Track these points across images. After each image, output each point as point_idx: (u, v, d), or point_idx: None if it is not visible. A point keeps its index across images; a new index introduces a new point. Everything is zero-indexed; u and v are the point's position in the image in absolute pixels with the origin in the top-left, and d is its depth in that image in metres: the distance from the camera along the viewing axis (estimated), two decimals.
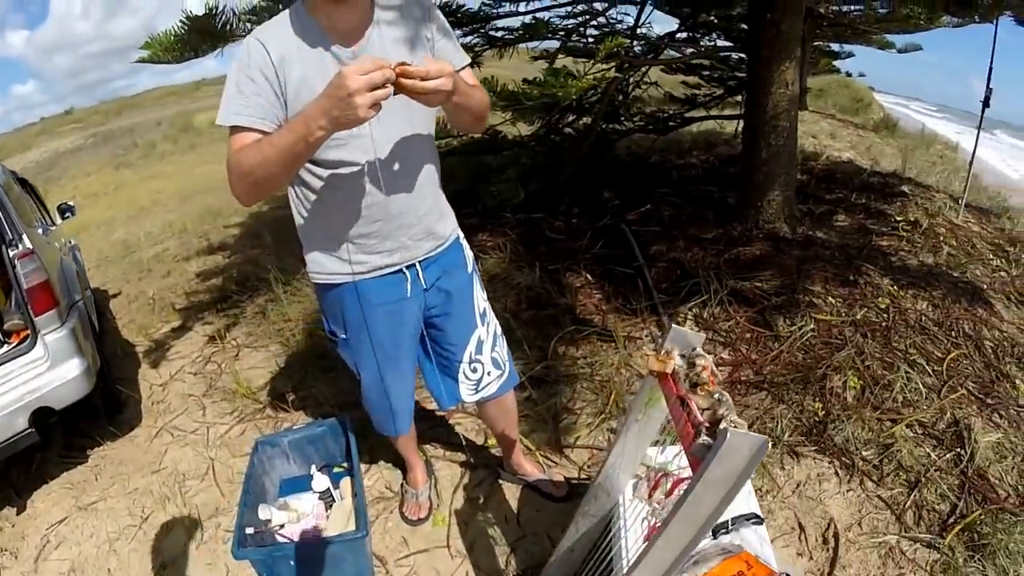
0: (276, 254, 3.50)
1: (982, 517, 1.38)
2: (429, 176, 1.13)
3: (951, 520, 1.39)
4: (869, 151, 5.88)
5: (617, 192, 3.53)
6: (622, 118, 3.72)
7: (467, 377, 1.35)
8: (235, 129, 0.96)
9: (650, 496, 0.98)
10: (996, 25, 2.79)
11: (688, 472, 0.73)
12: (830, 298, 2.17)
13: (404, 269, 1.17)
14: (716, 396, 0.70)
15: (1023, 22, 2.72)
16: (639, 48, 3.37)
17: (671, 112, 4.07)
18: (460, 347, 1.31)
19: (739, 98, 4.10)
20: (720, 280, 2.33)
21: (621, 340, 2.09)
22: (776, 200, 2.74)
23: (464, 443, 1.75)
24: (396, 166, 1.06)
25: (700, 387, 0.75)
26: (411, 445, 1.59)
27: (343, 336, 1.25)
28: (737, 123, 4.17)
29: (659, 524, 0.72)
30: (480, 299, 1.33)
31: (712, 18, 3.72)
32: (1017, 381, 1.81)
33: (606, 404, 1.83)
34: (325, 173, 1.04)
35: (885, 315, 2.05)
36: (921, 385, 1.74)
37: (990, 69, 2.86)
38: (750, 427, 1.58)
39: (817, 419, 1.66)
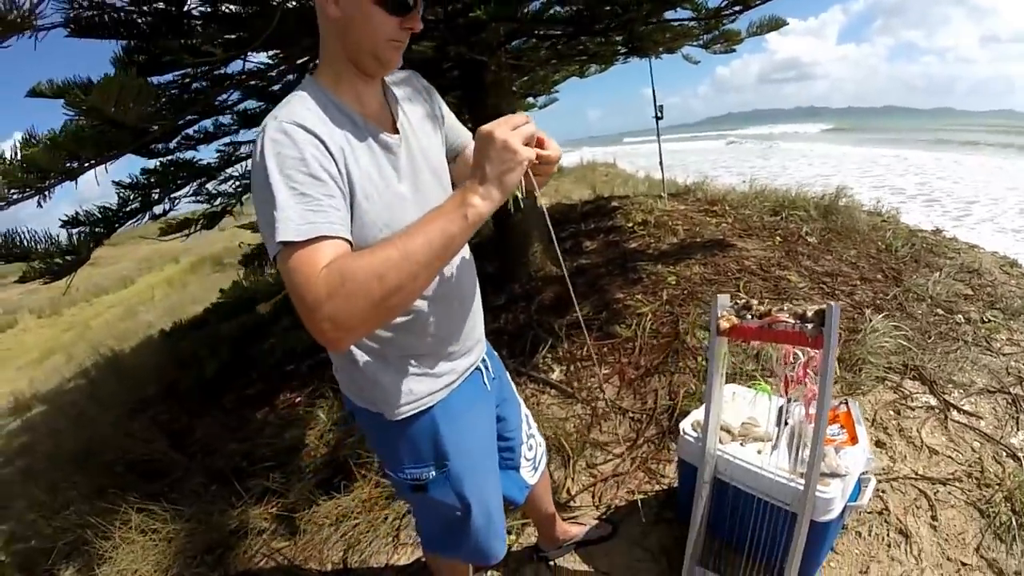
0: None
1: None
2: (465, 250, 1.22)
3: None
4: (558, 191, 8.28)
5: None
6: None
7: (527, 459, 1.53)
8: (305, 244, 0.83)
9: (787, 391, 1.49)
10: (651, 60, 4.53)
11: (810, 357, 1.49)
12: (636, 296, 3.30)
13: (480, 363, 1.29)
14: (788, 307, 1.52)
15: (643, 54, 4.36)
16: None
17: None
18: (518, 429, 1.50)
19: None
20: (545, 325, 3.22)
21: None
22: (538, 250, 3.86)
23: None
24: None
25: (765, 315, 1.56)
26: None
27: (438, 473, 1.21)
28: None
29: (815, 387, 1.46)
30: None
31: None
32: (790, 277, 3.32)
33: (567, 456, 2.35)
34: None
35: (680, 287, 3.32)
36: None
37: (653, 93, 5.06)
38: (671, 396, 2.52)
39: (702, 368, 2.62)
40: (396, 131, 1.06)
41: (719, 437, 1.63)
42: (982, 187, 13.13)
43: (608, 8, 2.96)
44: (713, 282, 3.37)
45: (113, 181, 2.63)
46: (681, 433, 1.75)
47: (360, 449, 2.58)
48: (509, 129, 0.85)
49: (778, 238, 4.10)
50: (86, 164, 2.01)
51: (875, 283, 3.38)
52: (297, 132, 0.89)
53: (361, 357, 1.11)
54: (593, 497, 2.19)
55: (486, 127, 0.86)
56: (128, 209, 2.62)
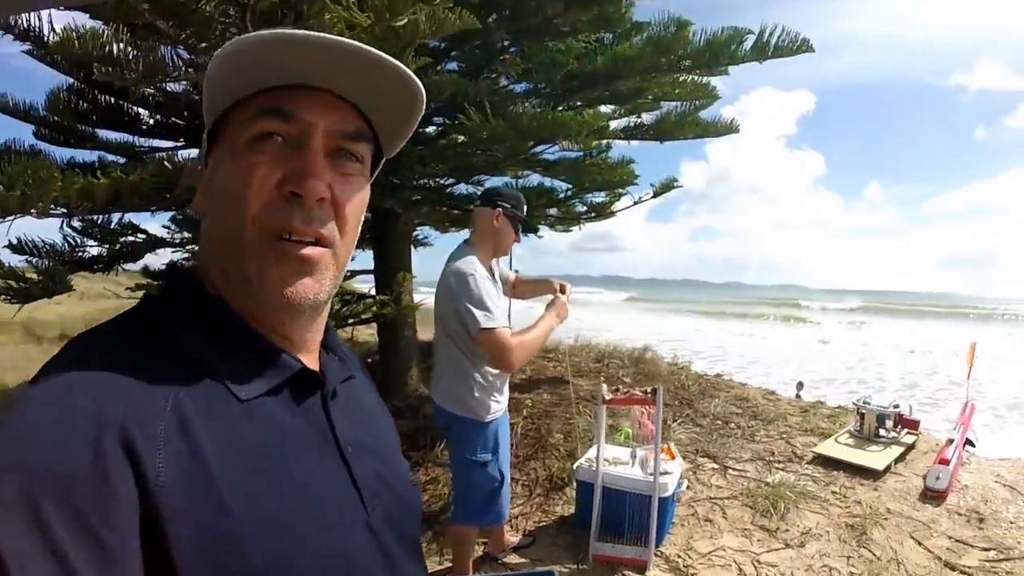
0: None
1: None
2: None
3: None
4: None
5: None
6: None
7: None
8: (499, 329, 2.51)
9: (640, 430, 3.57)
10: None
11: (650, 412, 3.43)
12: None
13: None
14: (636, 390, 3.48)
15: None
16: None
17: None
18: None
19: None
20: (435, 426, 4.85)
21: (433, 477, 4.15)
22: (415, 373, 5.49)
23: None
24: None
25: (621, 391, 3.50)
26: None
27: (492, 456, 2.69)
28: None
29: (653, 427, 3.37)
30: None
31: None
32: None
33: None
34: None
35: (535, 408, 5.07)
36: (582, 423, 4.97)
37: None
38: (547, 470, 4.27)
39: (566, 453, 4.45)
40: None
41: (603, 463, 3.43)
42: (758, 348, 17.97)
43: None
44: (559, 405, 5.33)
45: None
46: (578, 466, 3.51)
47: None
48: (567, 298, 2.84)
49: (602, 377, 6.31)
50: None
51: (674, 407, 5.59)
52: (476, 261, 2.67)
53: (479, 382, 2.67)
54: (512, 528, 3.78)
55: (563, 298, 2.85)
56: None
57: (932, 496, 3.89)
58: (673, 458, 3.56)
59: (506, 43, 4.72)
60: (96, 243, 4.44)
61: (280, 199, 0.63)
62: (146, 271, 5.13)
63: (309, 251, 0.64)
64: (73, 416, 0.49)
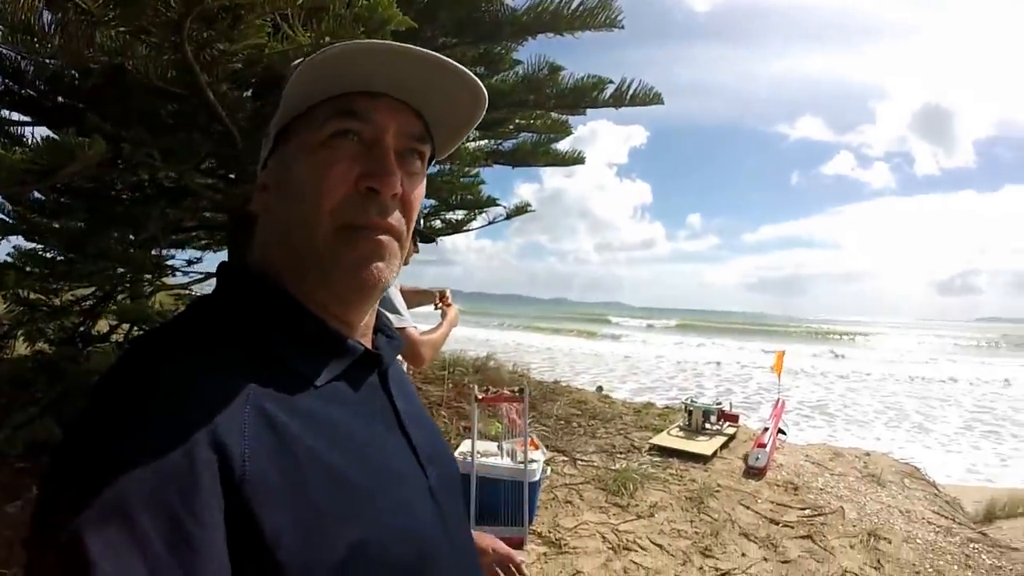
0: None
1: None
2: None
3: None
4: None
5: None
6: None
7: None
8: (409, 328, 2.62)
9: (511, 427, 4.08)
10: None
11: (518, 409, 4.00)
12: None
13: None
14: (505, 390, 4.03)
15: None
16: None
17: None
18: None
19: None
20: None
21: None
22: None
23: None
24: None
25: (489, 391, 4.05)
26: None
27: None
28: None
29: (520, 422, 3.94)
30: None
31: None
32: (465, 406, 5.83)
33: None
34: None
35: None
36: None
37: None
38: None
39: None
40: None
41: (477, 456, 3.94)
42: (587, 359, 19.62)
43: None
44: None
45: None
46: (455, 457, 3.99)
47: None
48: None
49: (450, 384, 6.85)
50: None
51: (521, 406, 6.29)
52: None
53: None
54: None
55: (455, 307, 3.17)
56: None
57: (754, 473, 4.83)
58: (537, 448, 4.13)
59: None
60: None
61: (357, 194, 0.70)
62: None
63: (383, 237, 0.72)
64: (162, 416, 0.55)
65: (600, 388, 9.13)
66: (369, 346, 0.79)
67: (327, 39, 3.24)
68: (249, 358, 0.64)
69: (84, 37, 2.99)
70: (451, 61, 0.71)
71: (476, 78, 0.73)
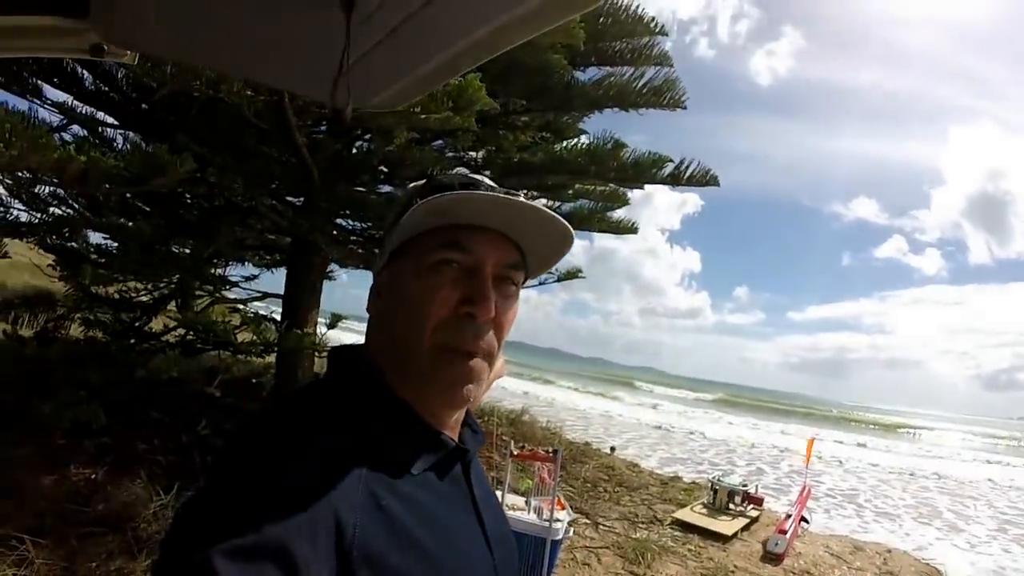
0: None
1: None
2: None
3: None
4: None
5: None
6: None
7: None
8: None
9: (541, 483, 4.27)
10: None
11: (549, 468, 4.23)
12: None
13: None
14: (539, 449, 4.27)
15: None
16: None
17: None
18: None
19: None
20: None
21: None
22: None
23: None
24: None
25: (524, 448, 4.29)
26: None
27: None
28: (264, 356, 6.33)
29: (551, 480, 4.16)
30: None
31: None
32: (494, 456, 6.05)
33: None
34: None
35: None
36: None
37: None
38: None
39: None
40: None
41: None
42: (625, 422, 19.57)
43: None
44: None
45: None
46: None
47: None
48: None
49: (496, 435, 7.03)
50: None
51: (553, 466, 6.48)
52: None
53: None
54: None
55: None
56: None
57: (771, 558, 4.91)
58: (563, 508, 4.33)
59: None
60: (25, 208, 4.65)
61: (455, 317, 0.79)
62: (64, 249, 5.23)
63: (475, 363, 0.81)
64: (302, 480, 0.65)
65: (613, 448, 9.16)
66: (456, 439, 0.87)
67: (418, 109, 3.61)
68: (358, 442, 0.73)
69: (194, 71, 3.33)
70: (545, 208, 0.80)
71: (565, 222, 0.83)
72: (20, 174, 3.54)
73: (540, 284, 6.77)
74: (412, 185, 0.91)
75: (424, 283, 0.80)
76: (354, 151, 5.47)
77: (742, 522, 5.51)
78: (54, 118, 4.77)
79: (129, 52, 1.20)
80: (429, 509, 0.75)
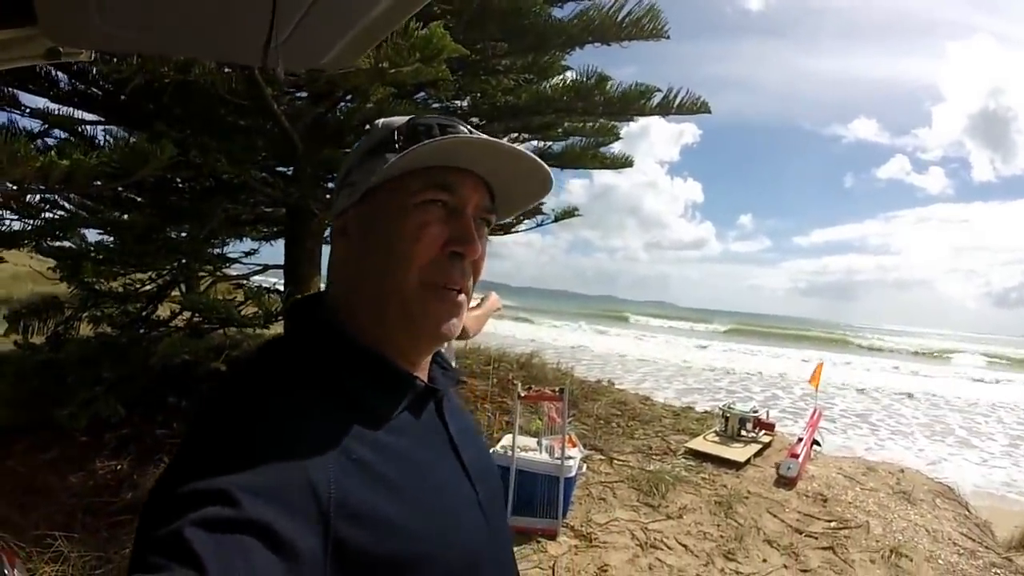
0: None
1: None
2: None
3: None
4: None
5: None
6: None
7: None
8: None
9: (550, 424, 4.31)
10: None
11: (558, 407, 4.23)
12: None
13: None
14: (546, 389, 4.26)
15: None
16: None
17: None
18: None
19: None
20: None
21: None
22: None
23: None
24: None
25: (532, 389, 4.28)
26: None
27: None
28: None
29: (559, 420, 4.16)
30: None
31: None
32: (507, 400, 6.12)
33: None
34: None
35: None
36: None
37: None
38: None
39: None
40: None
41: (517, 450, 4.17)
42: (631, 355, 19.72)
43: None
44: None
45: None
46: (493, 451, 4.21)
47: None
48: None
49: (495, 379, 7.05)
50: None
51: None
52: None
53: None
54: None
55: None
56: None
57: (784, 482, 4.94)
58: (575, 446, 4.35)
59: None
60: (17, 217, 4.67)
61: (443, 257, 0.80)
62: (63, 251, 5.22)
63: (460, 297, 0.83)
64: (270, 445, 0.65)
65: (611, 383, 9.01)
66: (426, 379, 0.88)
67: (385, 64, 3.52)
68: (325, 396, 0.74)
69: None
70: (535, 157, 0.83)
71: (549, 170, 0.86)
72: (6, 187, 3.51)
73: (538, 226, 6.67)
74: (383, 122, 0.90)
75: (411, 221, 0.80)
76: (338, 114, 5.35)
77: (754, 448, 5.54)
78: (35, 124, 4.82)
79: (84, 52, 1.27)
80: (404, 452, 0.77)
